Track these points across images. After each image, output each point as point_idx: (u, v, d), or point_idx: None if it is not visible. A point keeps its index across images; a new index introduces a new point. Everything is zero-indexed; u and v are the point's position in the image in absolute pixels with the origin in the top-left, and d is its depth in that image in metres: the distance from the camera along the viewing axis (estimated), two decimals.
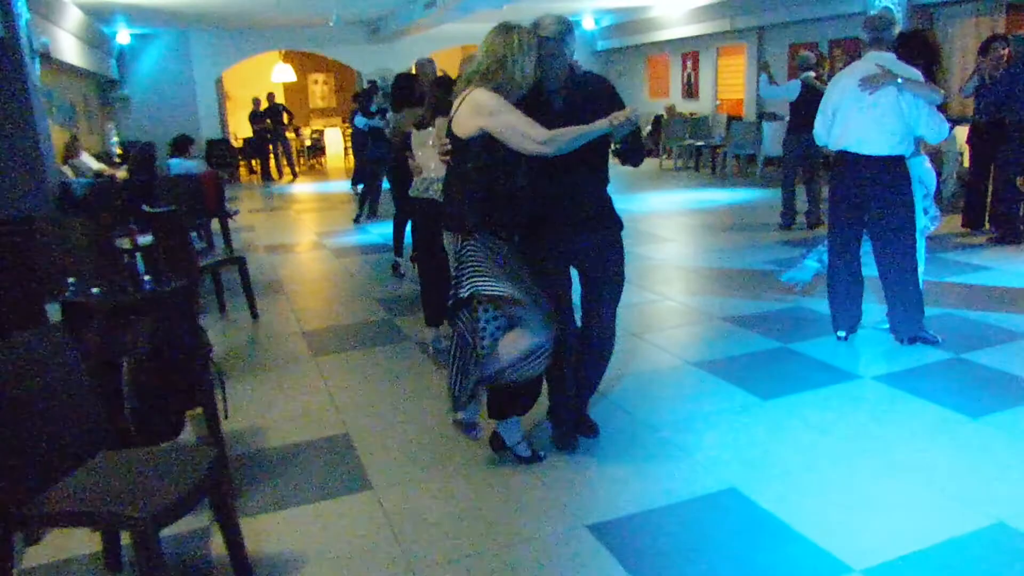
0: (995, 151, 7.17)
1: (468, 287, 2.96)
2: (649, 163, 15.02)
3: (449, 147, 3.10)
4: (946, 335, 4.55)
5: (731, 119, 13.63)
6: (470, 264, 2.99)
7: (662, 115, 15.35)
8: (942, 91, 4.27)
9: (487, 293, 2.95)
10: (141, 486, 2.31)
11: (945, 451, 3.29)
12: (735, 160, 12.72)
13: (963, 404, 3.68)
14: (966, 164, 8.14)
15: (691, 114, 14.96)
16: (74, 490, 2.28)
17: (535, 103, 3.05)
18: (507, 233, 3.10)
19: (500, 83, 2.97)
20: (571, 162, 3.05)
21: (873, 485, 3.03)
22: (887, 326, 4.64)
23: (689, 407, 3.86)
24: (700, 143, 13.64)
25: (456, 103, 3.06)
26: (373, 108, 9.44)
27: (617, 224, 3.32)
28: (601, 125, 2.89)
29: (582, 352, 3.41)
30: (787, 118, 8.79)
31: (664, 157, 14.61)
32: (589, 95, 3.17)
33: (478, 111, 2.95)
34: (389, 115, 8.81)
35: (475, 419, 3.20)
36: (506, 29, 2.99)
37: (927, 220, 4.63)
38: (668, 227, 8.80)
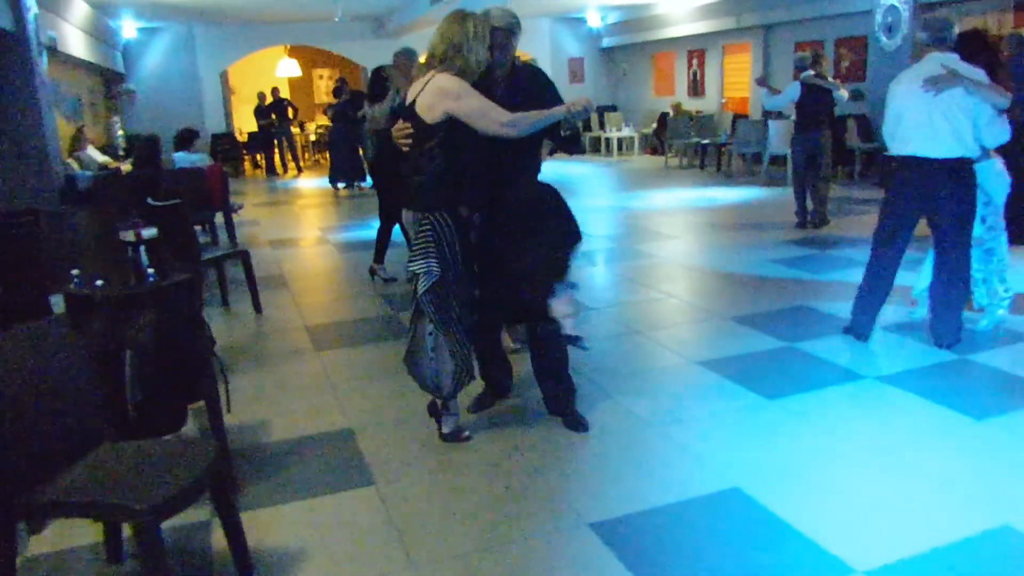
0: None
1: (420, 264, 3.20)
2: (654, 161, 15.01)
3: (410, 130, 3.23)
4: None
5: (737, 117, 13.60)
6: (423, 241, 3.21)
7: (668, 113, 15.32)
8: (1009, 94, 4.12)
9: (418, 271, 3.21)
10: (143, 478, 2.30)
11: (950, 452, 3.27)
12: (740, 158, 12.69)
13: (968, 405, 3.66)
14: None
15: (696, 112, 14.93)
16: (76, 481, 2.28)
17: (482, 89, 3.19)
18: (467, 210, 3.29)
19: (458, 68, 3.13)
20: (511, 148, 3.23)
21: (877, 486, 3.02)
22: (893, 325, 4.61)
23: (693, 406, 3.84)
24: (705, 141, 13.61)
25: (416, 88, 3.21)
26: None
27: (550, 210, 3.39)
28: (560, 111, 3.15)
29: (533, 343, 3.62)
30: (792, 117, 8.78)
31: (669, 155, 14.58)
32: (529, 85, 3.38)
33: (444, 95, 3.11)
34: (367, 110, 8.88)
35: (459, 426, 3.53)
36: (462, 17, 3.18)
37: (982, 229, 4.47)
38: (672, 225, 8.78)
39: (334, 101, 13.12)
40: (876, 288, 4.46)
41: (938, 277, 4.37)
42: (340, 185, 12.59)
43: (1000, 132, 4.13)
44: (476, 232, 3.37)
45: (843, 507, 2.88)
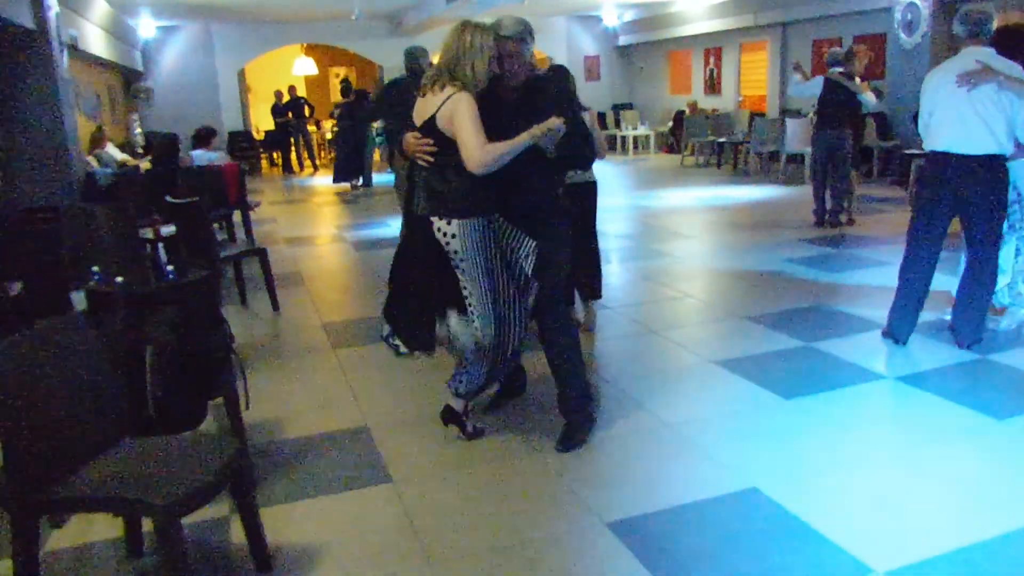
0: None
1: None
2: (670, 159, 14.95)
3: (431, 145, 3.18)
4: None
5: (754, 115, 13.52)
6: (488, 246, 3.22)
7: (684, 111, 15.26)
8: None
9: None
10: (163, 474, 2.32)
11: (970, 453, 3.24)
12: (757, 157, 12.63)
13: (989, 405, 3.62)
14: None
15: (713, 110, 14.86)
16: (97, 476, 2.30)
17: (491, 102, 3.17)
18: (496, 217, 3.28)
19: (460, 79, 3.11)
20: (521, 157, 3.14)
21: (897, 486, 3.00)
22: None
23: (711, 405, 3.83)
24: (722, 139, 13.54)
25: (434, 101, 3.14)
26: None
27: (555, 218, 3.36)
28: (523, 139, 3.06)
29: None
30: (810, 115, 8.72)
31: (685, 153, 14.52)
32: (539, 96, 3.28)
33: (454, 113, 3.08)
34: None
35: (475, 424, 3.57)
36: (461, 28, 3.14)
37: (1004, 227, 4.36)
38: (689, 224, 8.74)
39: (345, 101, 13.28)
40: (912, 289, 4.36)
41: (967, 277, 4.30)
42: (343, 183, 12.76)
43: None
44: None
45: (862, 507, 2.86)
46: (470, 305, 3.29)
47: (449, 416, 3.52)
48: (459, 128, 3.06)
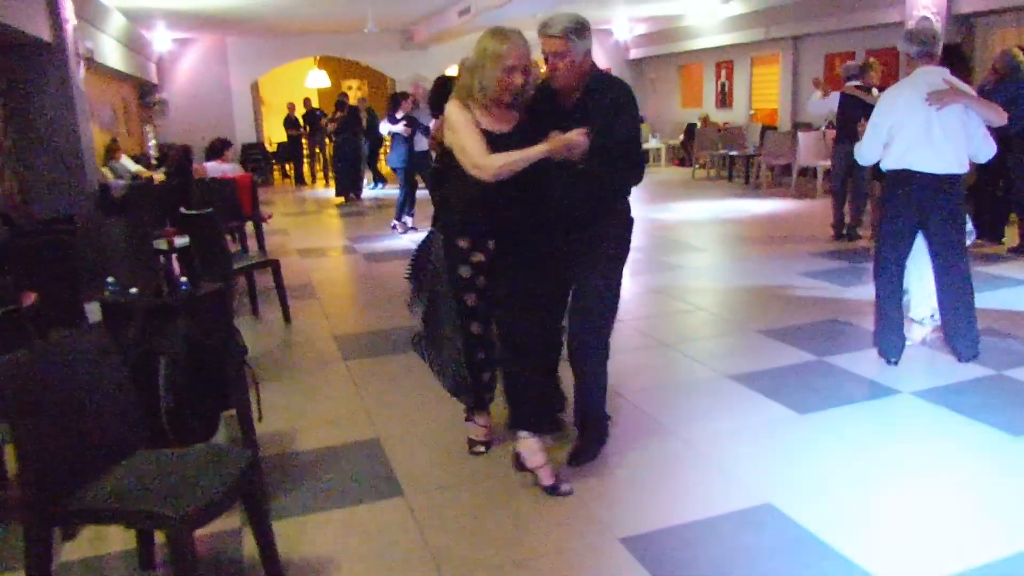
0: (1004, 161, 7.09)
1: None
2: (681, 172, 14.94)
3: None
4: (984, 350, 4.45)
5: (765, 129, 13.51)
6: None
7: (695, 124, 15.27)
8: (1003, 117, 4.11)
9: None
10: (176, 486, 2.32)
11: (986, 469, 3.20)
12: (769, 170, 12.60)
13: (1005, 421, 3.58)
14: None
15: (724, 124, 14.85)
16: (110, 488, 2.30)
17: (544, 105, 3.08)
18: (479, 239, 3.19)
19: (466, 92, 3.06)
20: (544, 169, 2.99)
21: (912, 503, 2.96)
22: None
23: (724, 420, 3.80)
24: (734, 152, 13.52)
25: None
26: (399, 116, 9.51)
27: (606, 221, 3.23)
28: (538, 150, 2.87)
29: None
30: (822, 129, 8.71)
31: (697, 166, 14.51)
32: (590, 102, 3.07)
33: (447, 124, 3.08)
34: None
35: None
36: (488, 33, 3.04)
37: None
38: (701, 237, 8.72)
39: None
40: (890, 307, 4.39)
41: (943, 292, 4.33)
42: (345, 197, 12.98)
43: (990, 149, 4.18)
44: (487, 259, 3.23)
45: (877, 523, 2.83)
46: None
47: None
48: (451, 140, 3.06)
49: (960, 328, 4.33)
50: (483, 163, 2.97)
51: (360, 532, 2.95)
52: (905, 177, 4.17)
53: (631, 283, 6.69)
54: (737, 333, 5.23)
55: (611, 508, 3.02)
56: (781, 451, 3.44)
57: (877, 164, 4.35)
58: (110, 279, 3.58)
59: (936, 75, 4.13)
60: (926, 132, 4.07)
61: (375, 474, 3.40)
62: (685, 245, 8.22)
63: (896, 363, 4.38)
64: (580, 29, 2.98)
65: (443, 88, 6.06)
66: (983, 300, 5.39)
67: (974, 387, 4.04)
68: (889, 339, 4.40)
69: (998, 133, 4.29)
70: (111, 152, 10.15)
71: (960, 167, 4.12)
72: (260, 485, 2.66)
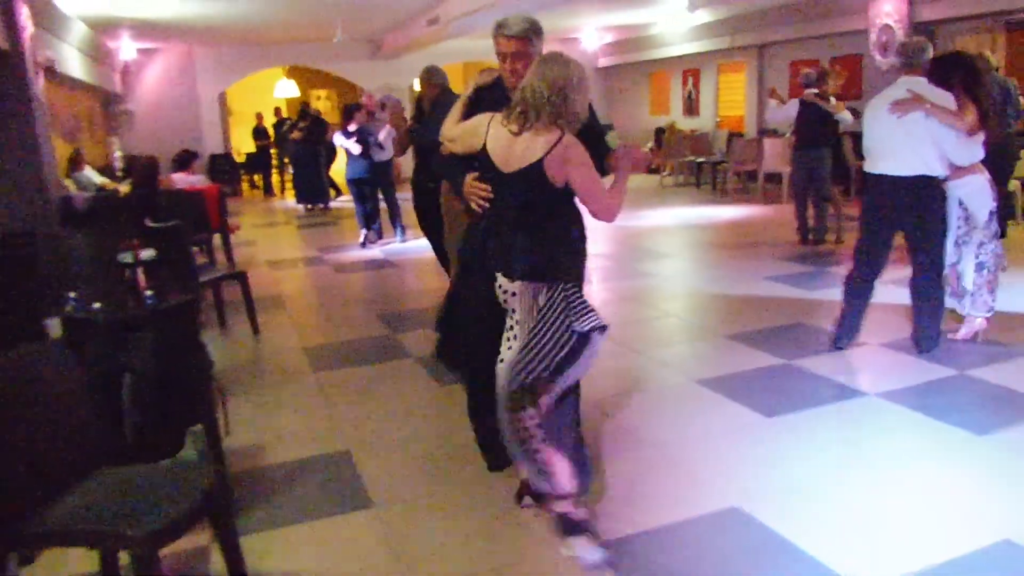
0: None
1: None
2: (650, 179, 15.05)
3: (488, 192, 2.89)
4: (948, 351, 4.57)
5: (732, 135, 13.66)
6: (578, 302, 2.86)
7: (663, 131, 15.40)
8: (965, 121, 4.23)
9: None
10: (140, 504, 2.28)
11: (951, 468, 3.26)
12: (736, 176, 12.74)
13: (968, 421, 3.65)
14: None
15: (692, 131, 15.00)
16: (71, 509, 2.25)
17: (496, 107, 2.96)
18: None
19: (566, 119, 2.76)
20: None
21: (878, 502, 3.00)
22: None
23: (693, 425, 3.83)
24: (701, 159, 13.66)
25: (542, 143, 2.72)
26: (352, 129, 9.46)
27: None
28: (627, 177, 3.01)
29: None
30: (787, 135, 8.83)
31: (665, 173, 14.63)
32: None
33: (570, 160, 2.72)
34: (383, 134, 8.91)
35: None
36: (565, 59, 2.77)
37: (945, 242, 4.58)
38: (670, 243, 8.79)
39: (332, 122, 13.42)
40: (855, 302, 4.67)
41: (914, 289, 4.58)
42: (307, 206, 12.94)
43: (970, 152, 4.33)
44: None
45: (844, 524, 2.86)
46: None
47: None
48: (584, 177, 2.74)
49: (924, 325, 4.56)
50: (614, 203, 2.83)
51: (330, 545, 2.92)
52: (875, 180, 4.46)
53: (601, 290, 6.72)
54: (706, 338, 5.27)
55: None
56: (749, 454, 3.47)
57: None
58: (72, 294, 3.52)
59: (904, 85, 4.37)
60: (892, 138, 4.34)
61: (345, 487, 3.37)
62: (655, 252, 8.27)
63: (843, 348, 4.71)
64: (538, 30, 3.05)
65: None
66: (949, 300, 5.49)
67: (939, 388, 4.11)
68: (843, 330, 4.73)
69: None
70: (74, 163, 9.98)
71: (928, 170, 4.31)
72: (227, 501, 2.63)
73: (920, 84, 4.36)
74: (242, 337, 5.79)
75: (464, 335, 3.11)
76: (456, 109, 3.11)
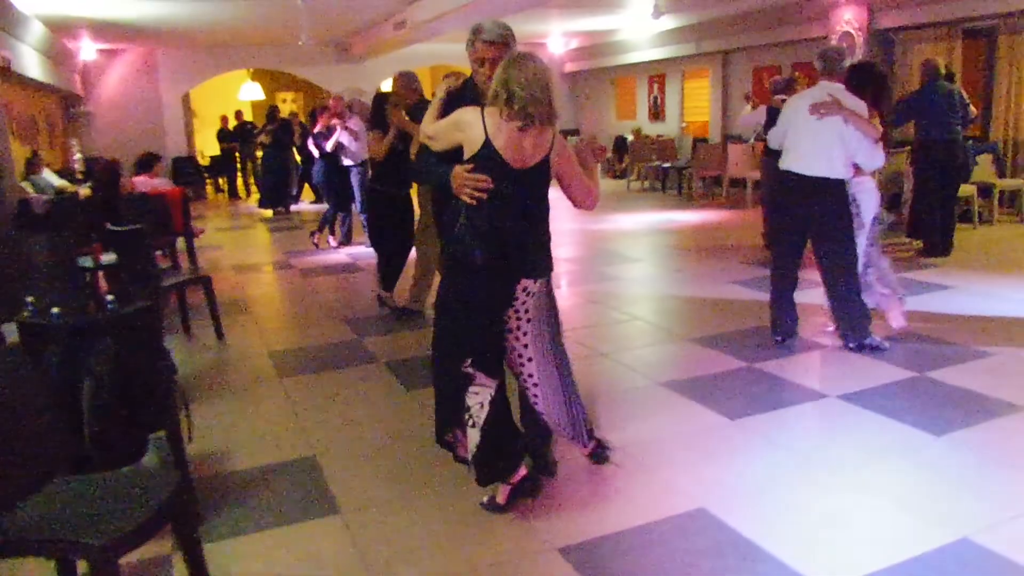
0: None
1: None
2: (616, 184, 15.16)
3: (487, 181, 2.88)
4: (907, 353, 4.66)
5: (697, 141, 13.82)
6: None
7: (625, 137, 15.53)
8: (878, 132, 4.57)
9: None
10: (99, 512, 2.24)
11: (910, 469, 3.33)
12: (701, 182, 12.89)
13: (927, 422, 3.73)
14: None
15: (657, 136, 15.14)
16: (28, 518, 2.20)
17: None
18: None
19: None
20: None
21: (840, 503, 3.06)
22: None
23: (659, 427, 3.86)
24: (667, 164, 13.79)
25: (547, 140, 2.93)
26: (317, 130, 9.50)
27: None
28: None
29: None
30: (751, 142, 8.96)
31: (631, 178, 14.74)
32: None
33: (563, 154, 3.02)
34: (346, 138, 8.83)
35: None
36: (541, 63, 2.91)
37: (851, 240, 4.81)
38: (635, 247, 8.86)
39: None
40: (782, 288, 4.94)
41: (830, 287, 4.81)
42: (272, 210, 12.90)
43: (876, 157, 4.59)
44: None
45: (808, 525, 2.91)
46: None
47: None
48: (574, 169, 3.05)
49: (847, 318, 4.75)
50: (596, 190, 3.15)
51: (295, 552, 2.90)
52: (785, 177, 4.74)
53: (568, 293, 6.76)
54: (671, 341, 5.32)
55: (548, 518, 3.03)
56: (714, 457, 3.51)
57: None
58: (29, 298, 3.45)
59: (825, 89, 4.62)
60: (807, 139, 4.58)
61: (311, 492, 3.34)
62: (621, 255, 8.33)
63: (782, 342, 4.94)
64: (512, 35, 3.13)
65: (378, 105, 6.02)
66: (907, 303, 5.60)
67: (898, 389, 4.19)
68: (781, 319, 4.98)
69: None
70: (32, 165, 9.79)
71: (832, 172, 4.56)
72: (190, 508, 2.60)
73: (839, 90, 4.60)
74: (206, 342, 5.72)
75: (453, 340, 3.04)
76: (433, 108, 3.12)
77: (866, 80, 4.77)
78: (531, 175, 2.93)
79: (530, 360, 3.14)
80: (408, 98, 5.61)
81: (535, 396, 3.19)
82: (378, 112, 5.96)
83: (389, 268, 6.29)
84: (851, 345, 4.75)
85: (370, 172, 6.64)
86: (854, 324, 4.73)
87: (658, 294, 6.73)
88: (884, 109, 4.85)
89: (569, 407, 3.28)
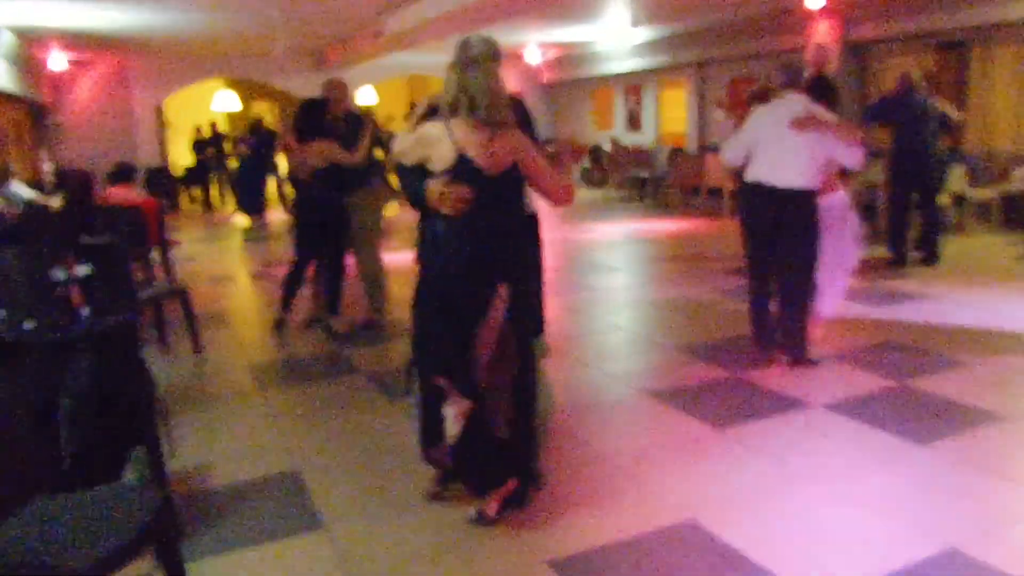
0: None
1: None
2: (592, 194, 15.21)
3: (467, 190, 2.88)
4: (889, 363, 4.70)
5: (674, 151, 13.91)
6: None
7: (599, 147, 15.62)
8: (857, 135, 4.60)
9: None
10: (80, 533, 2.18)
11: (896, 478, 3.34)
12: (678, 191, 12.96)
13: (910, 431, 3.75)
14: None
15: (635, 146, 15.22)
16: (7, 540, 2.14)
17: None
18: None
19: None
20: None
21: (828, 513, 3.06)
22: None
23: (645, 437, 3.85)
24: (644, 174, 13.86)
25: (511, 142, 2.93)
26: None
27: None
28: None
29: None
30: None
31: (609, 188, 14.79)
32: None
33: (526, 153, 2.98)
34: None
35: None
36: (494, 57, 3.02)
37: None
38: (615, 257, 8.88)
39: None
40: (760, 297, 4.88)
41: (784, 298, 4.76)
42: (247, 218, 12.84)
43: (855, 155, 4.56)
44: None
45: (796, 535, 2.90)
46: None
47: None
48: (537, 160, 2.98)
49: (792, 334, 4.72)
50: (570, 185, 3.17)
51: (280, 568, 2.84)
52: (762, 189, 4.64)
53: (549, 303, 6.72)
54: (655, 351, 5.32)
55: (537, 530, 3.00)
56: (702, 467, 3.50)
57: None
58: (1, 313, 3.36)
59: (798, 102, 4.61)
60: (778, 150, 4.56)
61: (295, 507, 3.28)
62: (601, 265, 8.34)
63: (764, 351, 4.85)
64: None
65: (311, 111, 5.81)
66: (886, 313, 5.66)
67: (881, 398, 4.21)
68: (759, 331, 4.91)
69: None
70: (1, 177, 9.60)
71: (805, 183, 4.54)
72: (172, 526, 2.53)
73: (804, 100, 4.63)
74: (185, 356, 5.62)
75: (432, 350, 3.05)
76: (412, 124, 3.10)
77: (824, 91, 4.94)
78: (505, 179, 2.95)
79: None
80: (339, 107, 5.64)
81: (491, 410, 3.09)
82: (307, 120, 5.78)
83: (330, 290, 6.11)
84: (790, 359, 4.72)
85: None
86: (797, 341, 4.71)
87: (640, 303, 6.74)
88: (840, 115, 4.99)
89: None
